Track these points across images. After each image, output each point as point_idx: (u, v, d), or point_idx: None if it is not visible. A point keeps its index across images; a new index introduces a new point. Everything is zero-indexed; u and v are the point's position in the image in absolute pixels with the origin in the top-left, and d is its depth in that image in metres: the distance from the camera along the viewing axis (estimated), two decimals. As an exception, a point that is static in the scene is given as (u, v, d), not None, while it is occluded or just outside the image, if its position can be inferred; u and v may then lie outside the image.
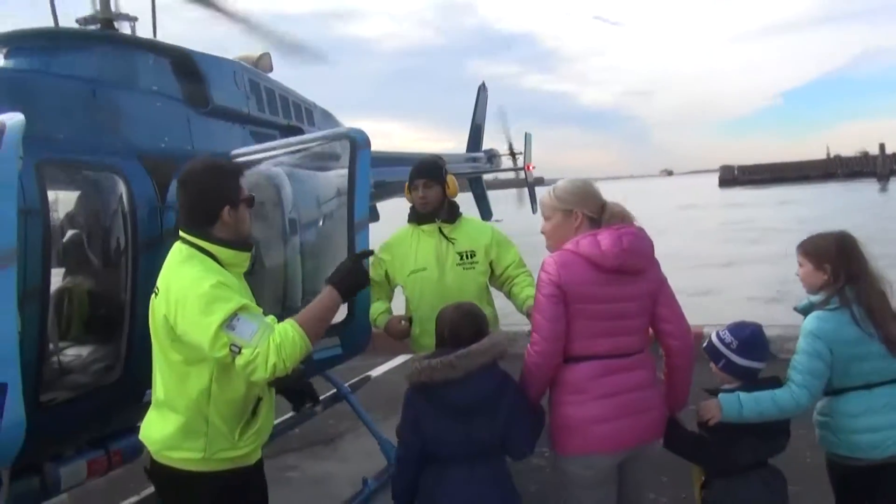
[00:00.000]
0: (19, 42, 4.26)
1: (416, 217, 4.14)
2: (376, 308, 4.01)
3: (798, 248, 3.19)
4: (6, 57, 4.26)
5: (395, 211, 6.26)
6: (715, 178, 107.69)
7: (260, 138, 5.13)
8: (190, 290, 2.53)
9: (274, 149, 4.33)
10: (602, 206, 2.95)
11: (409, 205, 4.26)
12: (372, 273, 3.94)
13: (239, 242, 2.79)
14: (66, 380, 3.50)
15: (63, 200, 3.81)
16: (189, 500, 2.74)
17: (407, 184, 4.20)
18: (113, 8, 4.74)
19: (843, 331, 2.94)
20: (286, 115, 5.86)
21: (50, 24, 4.62)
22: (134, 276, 3.62)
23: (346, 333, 3.75)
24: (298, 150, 4.31)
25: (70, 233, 3.77)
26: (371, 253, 3.51)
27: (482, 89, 12.91)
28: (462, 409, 2.83)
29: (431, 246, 4.02)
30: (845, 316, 2.95)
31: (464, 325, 2.97)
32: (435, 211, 4.11)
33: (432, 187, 4.13)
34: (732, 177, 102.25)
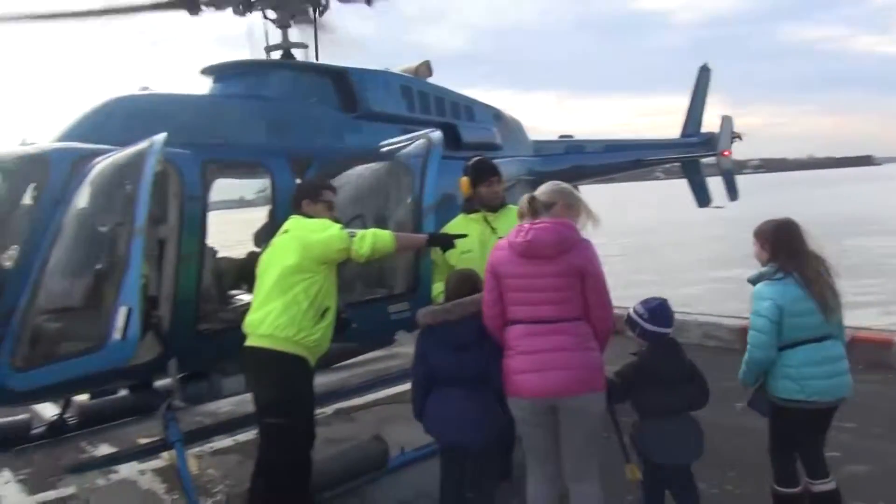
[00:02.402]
0: (221, 71, 5.87)
1: (466, 207, 4.78)
2: (437, 287, 4.73)
3: (753, 233, 3.91)
4: (214, 82, 5.90)
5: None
6: None
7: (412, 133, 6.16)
8: (317, 223, 4.06)
9: (385, 146, 5.38)
10: (537, 206, 3.53)
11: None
12: (433, 256, 4.74)
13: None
14: (217, 316, 4.93)
15: (224, 188, 5.25)
16: (275, 375, 3.94)
17: (469, 179, 4.73)
18: (291, 38, 6.15)
19: (787, 291, 3.62)
20: (440, 113, 6.83)
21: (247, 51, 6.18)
22: (268, 241, 4.90)
23: (413, 302, 4.68)
24: (398, 147, 5.30)
25: (227, 212, 5.21)
26: (450, 243, 4.44)
27: (704, 70, 12.45)
28: (455, 345, 3.72)
29: (477, 232, 4.59)
30: (789, 280, 3.64)
31: (461, 284, 3.88)
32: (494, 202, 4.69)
33: (499, 182, 4.75)
34: None
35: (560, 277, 3.37)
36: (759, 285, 3.74)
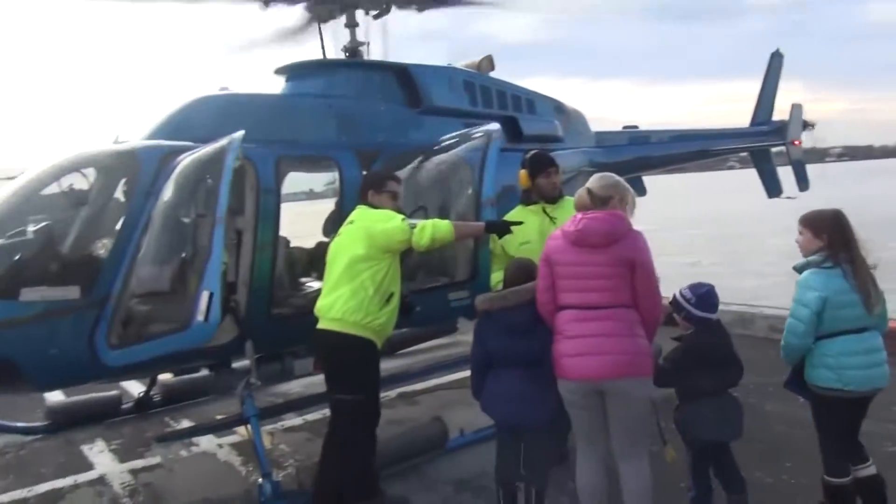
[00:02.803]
0: (293, 70, 6.20)
1: (525, 199, 4.92)
2: (495, 276, 4.89)
3: (800, 220, 3.94)
4: (286, 81, 6.23)
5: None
6: None
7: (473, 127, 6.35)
8: (381, 214, 4.31)
9: (447, 140, 5.61)
10: (594, 199, 3.72)
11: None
12: (491, 244, 4.92)
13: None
14: (289, 301, 5.25)
15: (296, 181, 5.57)
16: (343, 355, 4.24)
17: (527, 171, 4.90)
18: (359, 38, 6.42)
19: (833, 282, 3.68)
20: (502, 106, 6.99)
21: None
22: (336, 231, 5.19)
23: (472, 290, 4.88)
24: (459, 140, 5.52)
25: (297, 203, 5.53)
26: (507, 229, 4.59)
27: (775, 56, 12.10)
28: (510, 330, 3.90)
29: (536, 223, 4.75)
30: (837, 271, 3.70)
31: (518, 273, 4.05)
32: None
33: (557, 173, 4.89)
34: None
35: (610, 266, 3.53)
36: (806, 273, 3.78)
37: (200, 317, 3.99)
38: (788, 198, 11.88)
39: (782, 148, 11.45)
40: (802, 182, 11.57)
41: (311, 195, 6.38)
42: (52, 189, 4.74)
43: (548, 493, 4.11)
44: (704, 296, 3.90)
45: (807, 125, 11.74)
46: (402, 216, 4.29)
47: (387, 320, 4.30)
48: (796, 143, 11.42)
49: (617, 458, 3.71)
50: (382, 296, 4.23)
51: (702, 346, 3.83)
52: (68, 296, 4.31)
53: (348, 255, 4.24)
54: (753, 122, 11.88)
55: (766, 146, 11.48)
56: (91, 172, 4.77)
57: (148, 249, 4.45)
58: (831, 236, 3.77)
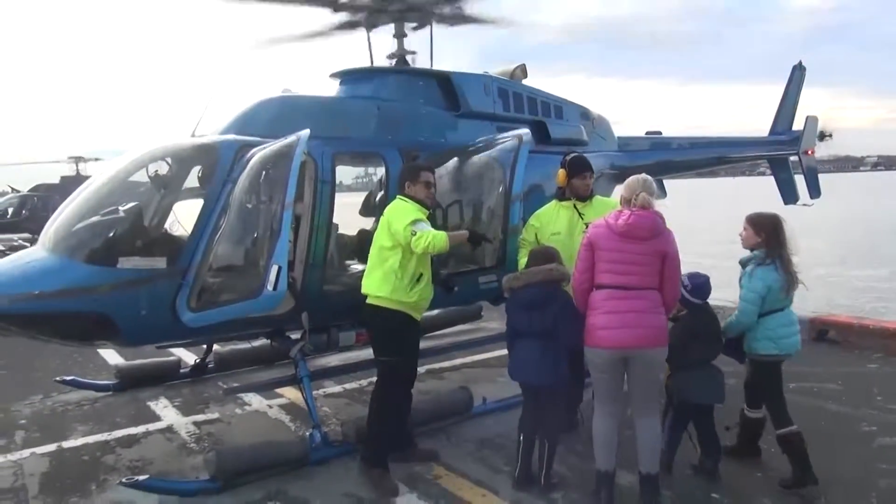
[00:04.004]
0: (346, 76, 6.93)
1: (560, 195, 5.60)
2: (522, 261, 5.53)
3: (746, 218, 4.86)
4: (340, 84, 6.96)
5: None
6: None
7: (506, 130, 7.01)
8: (400, 212, 4.91)
9: (481, 141, 6.31)
10: (630, 197, 4.37)
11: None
12: (525, 234, 5.61)
13: (418, 201, 5.00)
14: (338, 279, 5.97)
15: (349, 174, 6.30)
16: (386, 325, 4.95)
17: (565, 171, 5.58)
18: (406, 47, 7.13)
19: (773, 275, 4.64)
20: (532, 112, 7.66)
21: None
22: (377, 221, 5.91)
23: (500, 273, 5.57)
24: (491, 142, 6.23)
25: (349, 195, 6.26)
26: (484, 238, 5.34)
27: (797, 69, 12.57)
28: (526, 305, 4.63)
29: (566, 217, 5.44)
30: (773, 266, 4.64)
31: (537, 257, 4.79)
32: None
33: (591, 177, 5.56)
34: None
35: (647, 255, 4.23)
36: (755, 268, 4.68)
37: (270, 286, 4.71)
38: (805, 205, 12.38)
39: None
40: (814, 190, 12.03)
41: (360, 186, 7.14)
42: (144, 174, 5.53)
43: (558, 452, 4.81)
44: (700, 285, 4.69)
45: (824, 135, 12.21)
46: (411, 219, 4.76)
47: (419, 297, 4.96)
48: (809, 152, 11.90)
49: (635, 415, 4.40)
50: (412, 277, 4.88)
51: (695, 325, 4.56)
52: (156, 265, 5.07)
53: (378, 243, 4.98)
54: (773, 131, 12.38)
55: (781, 155, 11.98)
56: (177, 161, 5.55)
57: (225, 229, 5.19)
58: (769, 235, 4.70)
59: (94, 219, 5.31)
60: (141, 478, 4.64)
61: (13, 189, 30.33)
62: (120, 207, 5.42)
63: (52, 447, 5.79)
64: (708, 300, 4.77)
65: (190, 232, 5.22)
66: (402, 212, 4.90)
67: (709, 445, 4.74)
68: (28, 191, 28.31)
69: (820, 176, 12.47)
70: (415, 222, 4.77)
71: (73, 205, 5.40)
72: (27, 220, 27.37)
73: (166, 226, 5.43)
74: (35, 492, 4.96)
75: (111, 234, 5.23)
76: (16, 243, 29.07)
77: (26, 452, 5.69)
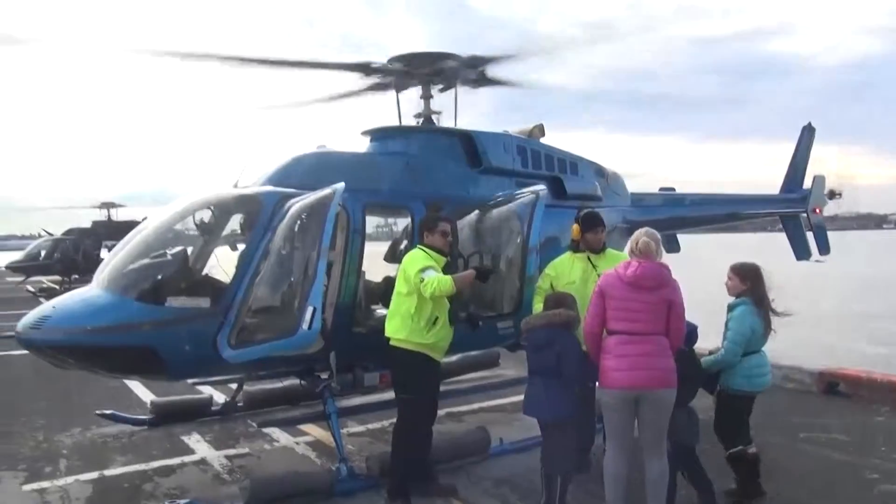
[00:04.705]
0: (377, 132, 7.48)
1: (574, 247, 6.00)
2: (537, 307, 5.91)
3: (731, 268, 5.45)
4: (371, 141, 7.50)
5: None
6: None
7: (523, 186, 7.47)
8: (413, 260, 5.34)
9: (500, 196, 6.78)
10: (632, 248, 4.78)
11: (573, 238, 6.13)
12: (541, 282, 5.99)
13: (436, 249, 5.42)
14: (366, 321, 6.38)
15: (376, 224, 6.76)
16: (405, 365, 5.34)
17: (579, 226, 5.96)
18: (432, 107, 7.68)
19: (755, 320, 5.24)
20: (549, 168, 8.13)
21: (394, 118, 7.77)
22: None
23: (516, 319, 5.95)
24: (510, 197, 6.68)
25: (378, 242, 6.72)
26: (490, 271, 5.85)
27: (807, 129, 13.02)
28: (533, 346, 5.04)
29: (581, 268, 5.82)
30: (755, 311, 5.25)
31: (549, 304, 5.19)
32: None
33: (603, 231, 5.97)
34: None
35: (654, 304, 4.60)
36: (743, 313, 5.24)
37: (305, 326, 5.14)
38: (817, 261, 12.67)
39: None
40: (823, 247, 12.32)
41: (388, 236, 7.63)
42: (191, 222, 6.05)
43: (571, 490, 5.10)
44: (688, 333, 4.91)
45: (833, 194, 12.58)
46: (420, 267, 5.21)
47: (435, 339, 5.33)
48: (817, 210, 12.25)
49: (645, 454, 4.68)
50: (427, 320, 5.26)
51: (680, 370, 4.73)
52: (201, 305, 5.54)
53: (397, 289, 5.42)
54: (783, 189, 12.77)
55: (790, 213, 12.34)
56: (222, 210, 6.08)
57: (264, 272, 5.65)
58: (753, 283, 5.32)
59: (145, 261, 5.82)
60: (182, 501, 5.00)
61: (47, 232, 31.31)
62: (168, 251, 5.93)
63: (94, 475, 6.18)
64: (693, 347, 5.08)
65: (232, 275, 5.68)
66: (413, 260, 5.33)
67: (700, 483, 5.01)
68: (61, 234, 29.28)
69: (845, 233, 12.77)
70: (424, 269, 5.20)
71: (126, 247, 5.90)
72: (58, 263, 28.28)
73: (210, 269, 5.92)
74: (81, 514, 5.33)
75: (160, 276, 5.73)
76: (45, 285, 30.04)
77: (70, 479, 6.09)
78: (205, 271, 5.91)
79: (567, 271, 5.90)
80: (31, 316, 5.49)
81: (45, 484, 5.98)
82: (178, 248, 5.93)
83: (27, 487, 5.93)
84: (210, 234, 6.05)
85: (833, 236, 13.09)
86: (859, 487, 5.67)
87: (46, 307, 5.56)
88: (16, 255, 32.44)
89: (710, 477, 5.05)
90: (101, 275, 5.76)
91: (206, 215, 6.10)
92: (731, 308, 5.32)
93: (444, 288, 5.12)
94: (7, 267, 30.93)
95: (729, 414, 5.33)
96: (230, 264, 5.80)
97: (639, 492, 4.76)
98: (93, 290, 5.67)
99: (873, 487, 5.66)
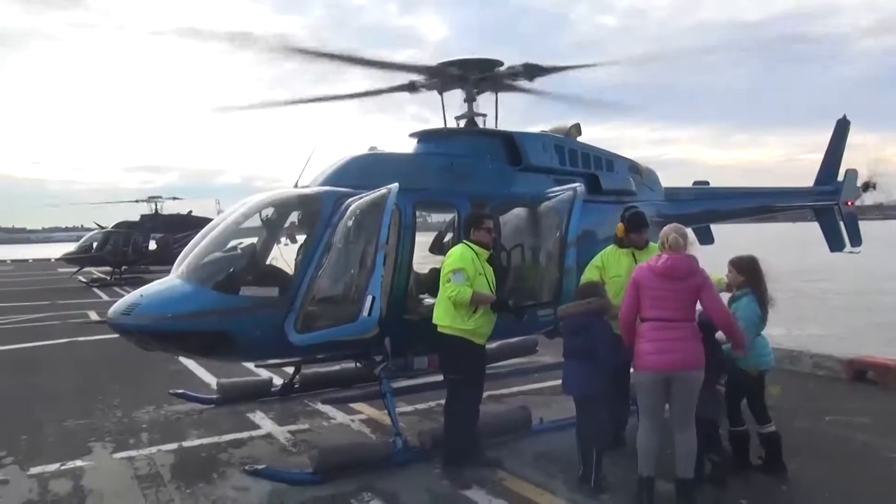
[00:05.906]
0: (424, 135, 8.02)
1: (619, 243, 6.49)
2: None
3: (729, 262, 5.93)
4: (418, 143, 8.04)
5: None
6: None
7: (561, 183, 7.94)
8: (451, 259, 5.95)
9: (540, 193, 7.29)
10: (663, 242, 5.22)
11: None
12: (590, 274, 6.48)
13: (481, 244, 5.95)
14: (416, 309, 6.94)
15: (425, 221, 7.33)
16: (450, 348, 5.95)
17: (624, 225, 6.45)
18: (475, 109, 8.18)
19: (758, 307, 5.72)
20: (585, 166, 8.58)
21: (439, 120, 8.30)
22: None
23: (554, 307, 6.47)
24: (550, 194, 7.19)
25: (427, 234, 7.28)
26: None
27: (842, 122, 13.15)
28: (569, 331, 5.63)
29: (626, 263, 6.31)
30: (755, 299, 5.72)
31: (583, 292, 5.78)
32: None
33: (646, 230, 6.45)
34: None
35: (684, 292, 5.08)
36: (748, 303, 5.71)
37: (365, 313, 5.72)
38: (851, 252, 12.87)
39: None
40: (855, 239, 12.49)
41: (433, 229, 8.26)
42: (259, 219, 6.68)
43: (607, 464, 5.62)
44: (709, 323, 5.32)
45: (868, 186, 12.75)
46: (453, 268, 5.85)
47: (476, 325, 5.92)
48: (849, 203, 12.44)
49: (674, 427, 5.16)
50: (467, 308, 5.87)
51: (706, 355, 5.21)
52: (270, 294, 6.16)
53: (441, 280, 5.99)
54: (817, 182, 12.98)
55: (821, 205, 12.55)
56: (286, 208, 6.70)
57: (326, 264, 6.25)
58: (750, 274, 5.81)
59: (220, 254, 6.47)
60: (260, 466, 5.65)
61: (99, 226, 32.68)
62: (239, 245, 6.57)
63: (174, 445, 6.89)
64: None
65: (296, 266, 6.30)
66: (452, 259, 5.96)
67: (718, 453, 5.58)
68: (111, 227, 30.56)
69: (885, 223, 12.95)
70: (455, 272, 5.85)
71: (203, 242, 6.56)
72: (109, 254, 29.58)
73: (277, 261, 6.54)
74: (169, 478, 6.03)
75: (233, 268, 6.38)
76: (95, 275, 31.39)
77: (154, 449, 6.81)
78: (272, 263, 6.53)
79: (614, 265, 6.39)
80: (121, 304, 6.18)
81: (132, 452, 6.71)
82: (248, 243, 6.57)
83: (117, 455, 6.66)
84: (275, 230, 6.68)
85: (882, 225, 13.22)
86: (879, 466, 6.07)
87: (134, 296, 6.24)
88: (69, 247, 33.97)
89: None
90: (181, 267, 6.42)
91: (271, 213, 6.73)
92: (734, 300, 5.79)
93: (461, 298, 5.78)
94: (62, 258, 32.35)
95: (738, 392, 5.82)
96: (295, 257, 6.42)
97: (667, 466, 5.25)
98: (174, 280, 6.33)
99: (893, 466, 6.05)
